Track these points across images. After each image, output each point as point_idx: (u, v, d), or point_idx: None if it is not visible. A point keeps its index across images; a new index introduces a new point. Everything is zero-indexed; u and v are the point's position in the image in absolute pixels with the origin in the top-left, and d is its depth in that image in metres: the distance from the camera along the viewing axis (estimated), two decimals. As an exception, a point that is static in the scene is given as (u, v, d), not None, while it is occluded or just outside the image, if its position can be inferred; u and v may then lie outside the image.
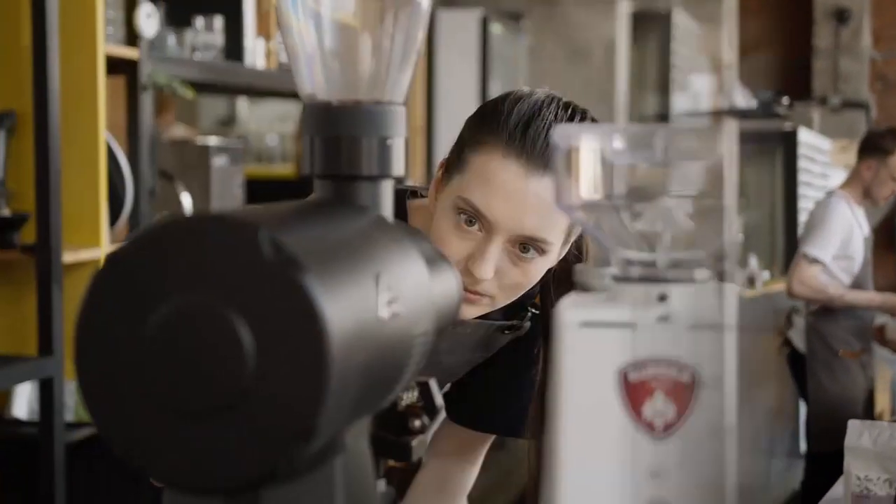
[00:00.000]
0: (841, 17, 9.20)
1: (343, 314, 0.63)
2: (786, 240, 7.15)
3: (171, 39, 2.98)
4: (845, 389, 4.37)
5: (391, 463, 1.01)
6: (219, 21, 3.10)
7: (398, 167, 0.80)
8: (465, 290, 1.26)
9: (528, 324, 1.42)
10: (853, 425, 2.00)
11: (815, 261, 4.24)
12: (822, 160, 7.19)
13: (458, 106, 5.40)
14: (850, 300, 4.34)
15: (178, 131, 4.18)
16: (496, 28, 5.26)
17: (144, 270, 0.62)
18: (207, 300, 0.61)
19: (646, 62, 7.18)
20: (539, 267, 1.29)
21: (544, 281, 1.36)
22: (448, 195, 1.28)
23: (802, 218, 7.15)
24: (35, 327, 2.39)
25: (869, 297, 4.44)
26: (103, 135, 2.55)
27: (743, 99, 6.05)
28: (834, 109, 8.24)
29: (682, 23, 7.39)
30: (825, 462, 4.40)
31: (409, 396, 0.88)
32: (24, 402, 2.64)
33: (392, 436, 0.86)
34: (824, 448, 4.24)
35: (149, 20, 2.70)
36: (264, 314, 0.61)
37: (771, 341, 4.73)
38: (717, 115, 5.50)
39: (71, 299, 2.43)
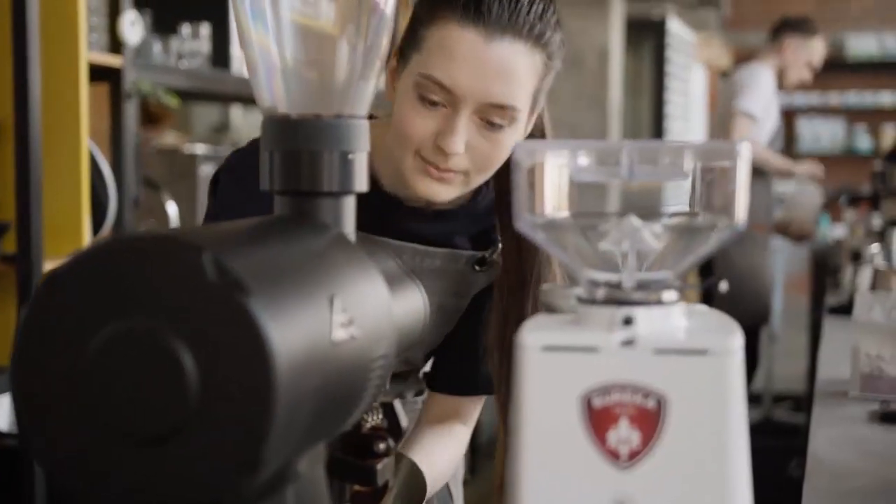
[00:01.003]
0: None
1: (292, 338, 0.60)
2: (653, 130, 7.23)
3: (157, 47, 2.96)
4: (755, 263, 4.42)
5: (356, 488, 0.99)
6: (205, 28, 3.08)
7: (361, 182, 0.78)
8: (437, 168, 1.25)
9: (498, 259, 1.39)
10: (862, 297, 1.88)
11: (749, 115, 4.32)
12: (687, 52, 7.32)
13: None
14: (777, 164, 4.45)
15: (170, 139, 4.15)
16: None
17: (85, 291, 0.60)
18: (149, 324, 0.59)
19: (641, 68, 7.18)
20: (509, 138, 1.26)
21: (506, 221, 1.35)
22: (407, 77, 1.26)
23: (668, 110, 7.25)
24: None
25: (796, 165, 4.60)
26: (86, 143, 2.52)
27: None
28: (688, 5, 8.31)
29: (677, 30, 7.39)
30: None
31: (373, 418, 0.85)
32: (4, 413, 2.61)
33: (356, 459, 0.83)
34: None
35: (133, 28, 2.67)
36: (208, 339, 0.58)
37: None
38: None
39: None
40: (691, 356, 0.65)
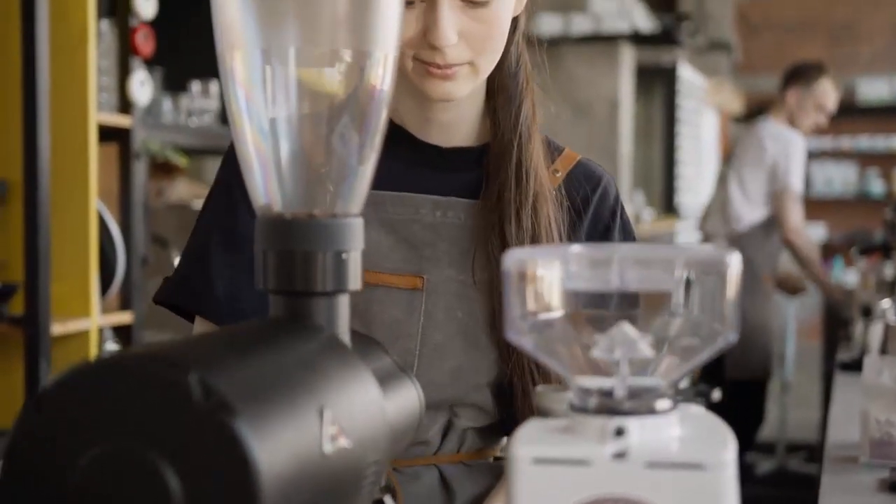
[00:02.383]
0: None
1: (280, 456, 0.60)
2: (664, 177, 7.22)
3: (167, 104, 2.98)
4: (762, 315, 4.40)
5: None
6: (215, 86, 3.09)
7: (355, 281, 0.77)
8: (439, 67, 1.17)
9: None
10: (871, 361, 1.84)
11: (800, 194, 4.36)
12: (698, 98, 7.34)
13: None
14: (823, 280, 4.51)
15: (182, 188, 4.16)
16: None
17: (72, 412, 0.60)
18: (135, 445, 0.58)
19: (652, 114, 7.20)
20: (502, 9, 1.18)
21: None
22: None
23: (679, 156, 7.26)
24: (23, 401, 2.36)
25: (830, 283, 4.65)
26: (95, 204, 2.53)
27: (645, 21, 5.99)
28: (699, 50, 8.34)
29: (688, 75, 7.41)
30: (741, 389, 4.42)
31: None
32: None
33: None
34: (741, 375, 4.32)
35: (142, 87, 2.69)
36: (194, 460, 0.58)
37: None
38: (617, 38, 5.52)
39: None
40: (684, 470, 0.64)
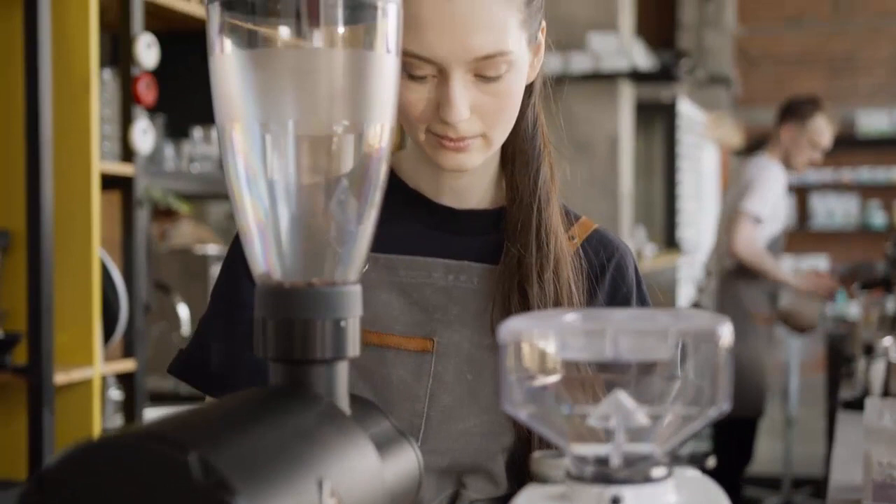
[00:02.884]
0: None
1: (279, 532, 0.60)
2: (665, 212, 7.22)
3: (169, 150, 3.00)
4: (754, 355, 4.35)
5: None
6: (216, 132, 3.11)
7: (353, 348, 0.78)
8: (451, 140, 1.16)
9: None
10: (872, 404, 1.83)
11: (756, 219, 4.32)
12: (698, 132, 7.36)
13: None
14: (775, 274, 4.43)
15: (186, 230, 4.18)
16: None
17: (73, 490, 0.61)
18: (136, 523, 0.59)
19: (652, 150, 7.23)
20: (513, 82, 1.17)
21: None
22: None
23: (680, 191, 7.27)
24: (26, 451, 2.36)
25: (796, 279, 4.59)
26: (97, 252, 2.54)
27: (644, 59, 6.02)
28: (699, 84, 8.36)
29: (687, 110, 7.44)
30: (730, 429, 4.39)
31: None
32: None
33: None
34: (731, 413, 4.27)
35: (145, 136, 2.71)
36: (194, 539, 0.58)
37: None
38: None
39: (63, 422, 2.41)
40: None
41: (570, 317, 0.72)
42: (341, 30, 0.82)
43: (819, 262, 10.14)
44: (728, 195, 4.68)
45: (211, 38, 0.78)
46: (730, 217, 4.43)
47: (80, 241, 2.52)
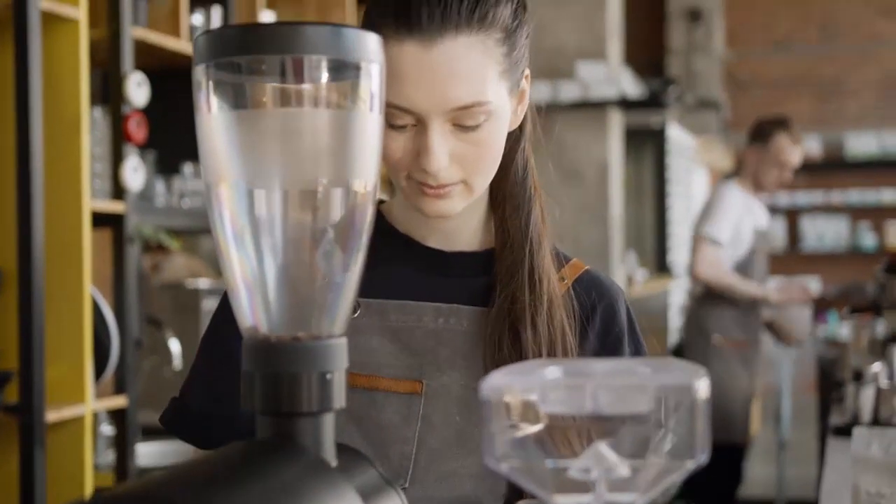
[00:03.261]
0: (694, 16, 9.45)
1: (266, 590, 0.62)
2: (656, 236, 7.24)
3: (160, 186, 3.02)
4: (721, 381, 4.29)
5: None
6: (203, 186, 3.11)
7: (339, 399, 0.80)
8: (432, 187, 1.17)
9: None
10: (859, 433, 1.83)
11: (715, 242, 4.32)
12: (688, 157, 7.39)
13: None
14: (744, 291, 4.41)
15: (178, 262, 4.19)
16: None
17: (64, 551, 0.62)
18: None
19: (642, 175, 7.27)
20: (494, 130, 1.18)
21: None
22: None
23: (671, 215, 7.29)
24: (17, 489, 2.36)
25: (771, 291, 4.55)
26: (89, 290, 2.55)
27: (632, 86, 6.04)
28: (688, 109, 8.39)
29: (677, 136, 7.48)
30: (716, 454, 4.35)
31: None
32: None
33: None
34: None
35: (135, 174, 2.73)
36: None
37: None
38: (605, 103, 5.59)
39: (55, 459, 2.41)
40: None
41: (552, 371, 0.73)
42: (325, 90, 0.84)
43: (810, 284, 10.17)
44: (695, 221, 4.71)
45: (198, 98, 0.79)
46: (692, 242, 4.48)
47: (72, 278, 2.53)
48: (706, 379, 0.70)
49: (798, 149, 4.51)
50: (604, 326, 1.31)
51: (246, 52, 0.78)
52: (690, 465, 0.71)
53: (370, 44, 0.79)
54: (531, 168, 1.32)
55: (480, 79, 1.15)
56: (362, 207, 0.81)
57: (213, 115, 0.79)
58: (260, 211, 0.79)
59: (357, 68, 0.79)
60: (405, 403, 1.23)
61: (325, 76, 0.79)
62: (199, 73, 0.79)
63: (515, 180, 1.29)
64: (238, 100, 0.82)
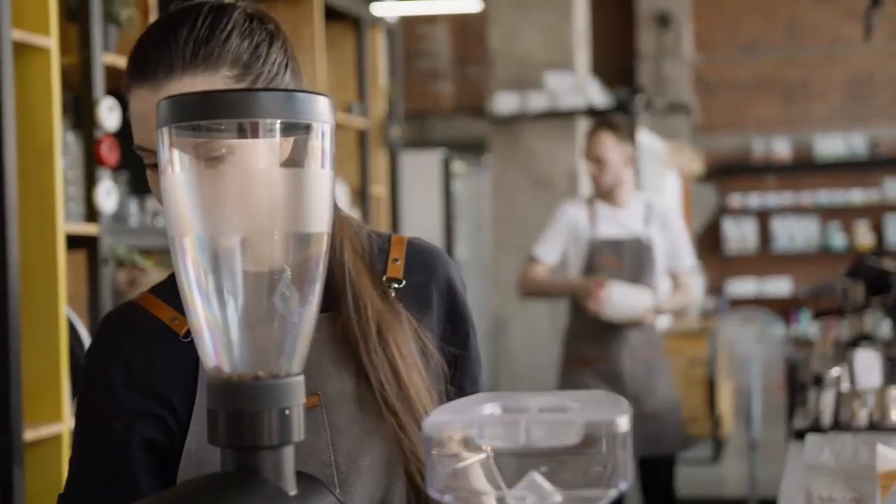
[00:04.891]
0: (663, 21, 9.56)
1: None
2: None
3: (133, 206, 3.07)
4: (651, 394, 4.18)
5: None
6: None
7: (298, 433, 0.86)
8: None
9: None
10: (812, 440, 1.88)
11: (533, 259, 4.25)
12: (659, 161, 7.47)
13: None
14: (563, 284, 4.26)
15: (155, 276, 4.23)
16: (458, 166, 5.39)
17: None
18: None
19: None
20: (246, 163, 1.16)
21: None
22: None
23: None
24: (-3, 508, 2.41)
25: (573, 282, 4.25)
26: (64, 311, 2.61)
27: (599, 96, 6.07)
28: (658, 113, 8.45)
29: (647, 142, 7.57)
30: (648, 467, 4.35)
31: None
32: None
33: None
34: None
35: (108, 196, 2.78)
36: None
37: None
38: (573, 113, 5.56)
39: (33, 478, 2.46)
40: None
41: (489, 408, 0.80)
42: (279, 149, 0.90)
43: (782, 285, 10.31)
44: None
45: (163, 159, 0.86)
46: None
47: (47, 300, 2.58)
48: (628, 414, 0.77)
49: (592, 140, 4.29)
50: (440, 296, 1.37)
51: (205, 116, 0.85)
52: (613, 493, 0.78)
53: (320, 106, 0.86)
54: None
55: None
56: (316, 252, 0.88)
57: (175, 174, 0.86)
58: (221, 259, 0.86)
59: (308, 128, 0.86)
60: (310, 417, 1.27)
61: (278, 137, 0.86)
62: (163, 134, 0.86)
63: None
64: (198, 159, 0.89)
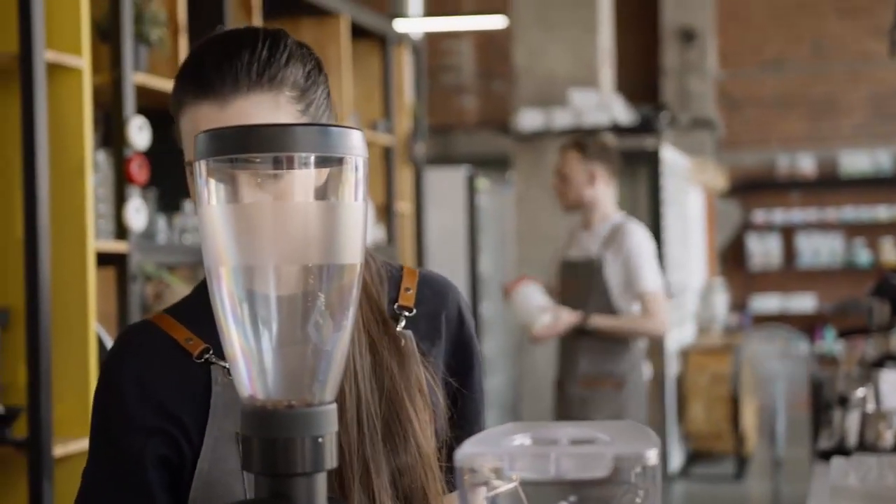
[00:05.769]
0: (687, 37, 9.53)
1: None
2: None
3: (162, 223, 3.10)
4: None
5: None
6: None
7: (331, 461, 0.88)
8: None
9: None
10: (837, 463, 1.90)
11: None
12: (682, 177, 7.45)
13: (448, 261, 5.53)
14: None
15: (181, 291, 4.26)
16: (482, 182, 5.41)
17: None
18: None
19: (637, 197, 7.34)
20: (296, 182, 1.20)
21: None
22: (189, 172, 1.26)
23: (666, 236, 7.34)
24: (26, 524, 2.44)
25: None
26: (93, 327, 2.64)
27: (624, 113, 6.06)
28: (683, 129, 8.43)
29: (671, 157, 7.57)
30: None
31: None
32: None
33: None
34: None
35: (138, 214, 2.82)
36: None
37: None
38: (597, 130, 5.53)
39: (63, 494, 2.49)
40: None
41: (519, 439, 0.82)
42: (314, 182, 0.92)
43: (806, 301, 10.28)
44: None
45: (199, 192, 0.88)
46: None
47: (77, 316, 2.61)
48: (657, 447, 0.78)
49: (561, 157, 4.31)
50: (457, 320, 1.39)
51: (242, 150, 0.87)
52: (641, 525, 0.79)
53: (354, 140, 0.88)
54: None
55: (284, 120, 1.24)
56: (349, 281, 0.90)
57: (212, 207, 0.88)
58: (256, 290, 0.88)
59: (341, 162, 0.88)
60: None
61: (313, 169, 0.88)
62: (200, 167, 0.88)
63: None
64: (235, 193, 0.91)
